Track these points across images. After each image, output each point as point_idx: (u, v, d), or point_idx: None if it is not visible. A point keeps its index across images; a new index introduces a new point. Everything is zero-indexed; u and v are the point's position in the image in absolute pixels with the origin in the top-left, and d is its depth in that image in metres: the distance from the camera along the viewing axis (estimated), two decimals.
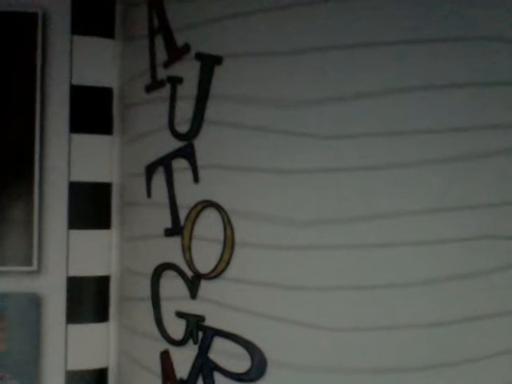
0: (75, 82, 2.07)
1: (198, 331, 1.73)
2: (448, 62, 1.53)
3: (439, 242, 1.52)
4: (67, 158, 2.06)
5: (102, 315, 2.09)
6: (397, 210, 1.53)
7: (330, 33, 1.57)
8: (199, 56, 1.73)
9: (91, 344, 2.08)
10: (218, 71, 1.70)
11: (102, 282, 2.09)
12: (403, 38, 1.52)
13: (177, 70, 1.80)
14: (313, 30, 1.58)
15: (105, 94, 2.10)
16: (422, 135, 1.53)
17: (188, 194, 1.76)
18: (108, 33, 2.10)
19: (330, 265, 1.56)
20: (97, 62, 2.08)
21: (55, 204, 2.06)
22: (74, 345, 2.06)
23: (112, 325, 2.11)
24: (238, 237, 1.65)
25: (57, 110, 2.06)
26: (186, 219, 1.75)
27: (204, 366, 1.72)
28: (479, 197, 1.54)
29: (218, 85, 1.70)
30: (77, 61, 2.06)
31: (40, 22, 2.02)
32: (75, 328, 2.06)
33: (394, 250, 1.53)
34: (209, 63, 1.71)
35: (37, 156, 2.02)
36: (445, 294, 1.53)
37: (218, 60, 1.69)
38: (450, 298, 1.53)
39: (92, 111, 2.09)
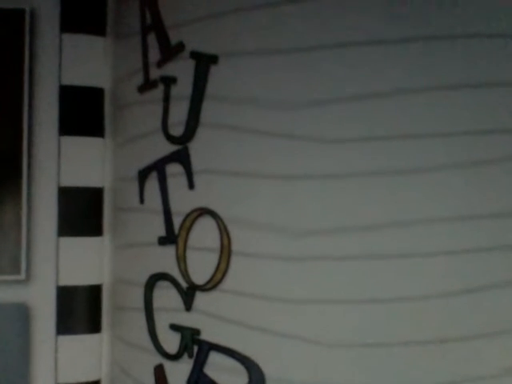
0: (64, 81, 2.02)
1: (193, 345, 1.67)
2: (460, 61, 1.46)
3: (449, 254, 1.45)
4: (56, 162, 2.01)
5: (93, 326, 2.04)
6: (402, 219, 1.45)
7: (330, 30, 1.50)
8: (194, 55, 1.67)
9: (83, 356, 2.03)
10: (214, 71, 1.64)
11: (94, 292, 2.04)
12: (404, 37, 1.46)
13: (170, 69, 1.74)
14: (313, 27, 1.51)
15: (95, 94, 2.05)
16: (430, 139, 1.46)
17: (182, 201, 1.70)
18: (99, 30, 2.05)
19: (333, 277, 1.49)
20: (87, 61, 2.03)
21: (44, 210, 2.01)
22: (64, 357, 2.01)
23: (104, 336, 2.06)
24: (235, 246, 1.59)
25: (45, 112, 2.02)
26: (181, 227, 1.69)
27: (199, 381, 1.66)
28: (492, 206, 1.47)
29: (213, 85, 1.64)
30: (66, 60, 2.02)
31: (27, 19, 1.98)
32: (66, 339, 2.01)
33: (401, 262, 1.46)
34: (204, 62, 1.65)
35: (25, 160, 1.98)
36: (458, 307, 1.46)
37: (213, 59, 1.63)
38: (462, 312, 1.46)
39: (82, 112, 2.04)
